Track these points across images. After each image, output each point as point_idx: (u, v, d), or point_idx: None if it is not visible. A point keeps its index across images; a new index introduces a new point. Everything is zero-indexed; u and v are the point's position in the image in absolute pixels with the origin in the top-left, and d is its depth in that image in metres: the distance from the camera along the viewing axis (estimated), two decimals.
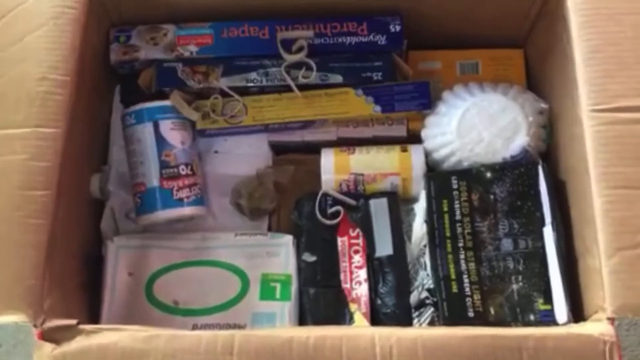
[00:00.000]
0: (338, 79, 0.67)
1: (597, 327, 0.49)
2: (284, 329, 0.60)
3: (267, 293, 0.62)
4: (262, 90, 0.67)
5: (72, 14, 0.59)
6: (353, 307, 0.62)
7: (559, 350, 0.48)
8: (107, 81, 0.70)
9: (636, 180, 0.51)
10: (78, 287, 0.61)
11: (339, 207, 0.66)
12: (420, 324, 0.60)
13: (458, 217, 0.63)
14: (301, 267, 0.64)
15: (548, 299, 0.59)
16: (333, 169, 0.66)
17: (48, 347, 0.49)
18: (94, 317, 0.61)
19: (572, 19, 0.57)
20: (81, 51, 0.58)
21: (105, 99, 0.70)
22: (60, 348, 0.49)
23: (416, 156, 0.66)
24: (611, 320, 0.49)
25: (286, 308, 0.62)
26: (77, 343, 0.50)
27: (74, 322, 0.51)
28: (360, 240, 0.65)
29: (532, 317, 0.58)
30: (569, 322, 0.56)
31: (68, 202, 0.57)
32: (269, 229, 0.68)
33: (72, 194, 0.59)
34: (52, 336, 0.50)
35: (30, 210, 0.52)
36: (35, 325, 0.50)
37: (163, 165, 0.65)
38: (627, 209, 0.51)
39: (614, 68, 0.55)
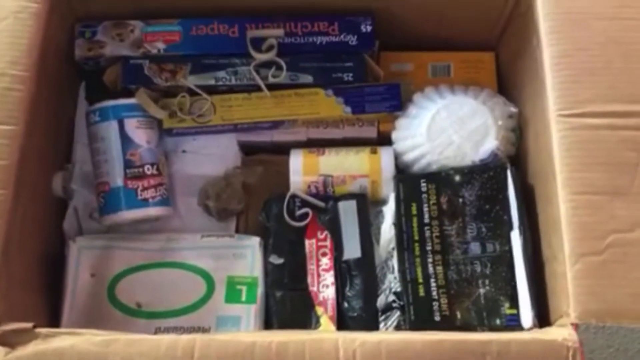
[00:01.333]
0: (308, 79, 0.66)
1: (560, 332, 0.49)
2: (246, 333, 0.59)
3: (232, 296, 0.62)
4: (231, 90, 0.66)
5: (34, 8, 0.57)
6: (319, 310, 0.61)
7: (522, 355, 0.48)
8: (72, 77, 0.68)
9: (601, 186, 0.51)
10: (38, 288, 0.60)
11: (307, 209, 0.65)
12: (387, 328, 0.60)
13: (426, 220, 0.62)
14: (268, 269, 0.63)
15: (514, 303, 0.59)
16: (302, 170, 0.66)
17: (1, 351, 0.48)
18: (54, 319, 0.60)
19: (542, 23, 0.57)
20: (43, 46, 0.57)
21: (70, 95, 0.68)
22: (15, 352, 0.48)
23: (386, 158, 0.65)
24: (575, 325, 0.49)
25: (252, 311, 0.61)
26: (33, 347, 0.48)
27: (29, 325, 0.49)
28: (328, 243, 0.64)
29: (498, 322, 0.58)
30: (534, 326, 0.56)
31: (28, 201, 0.56)
32: (237, 230, 0.67)
33: (33, 193, 0.58)
34: (7, 340, 0.48)
35: None
36: None
37: (128, 164, 0.63)
38: (592, 214, 0.51)
39: (582, 73, 0.55)
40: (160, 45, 0.65)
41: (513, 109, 0.66)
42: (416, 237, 0.62)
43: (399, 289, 0.60)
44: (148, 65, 0.65)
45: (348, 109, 0.66)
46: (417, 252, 0.61)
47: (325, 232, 0.64)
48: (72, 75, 0.68)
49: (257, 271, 0.63)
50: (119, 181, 0.63)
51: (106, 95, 0.65)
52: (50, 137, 0.63)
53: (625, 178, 0.52)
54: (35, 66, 0.56)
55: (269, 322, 0.62)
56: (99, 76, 0.66)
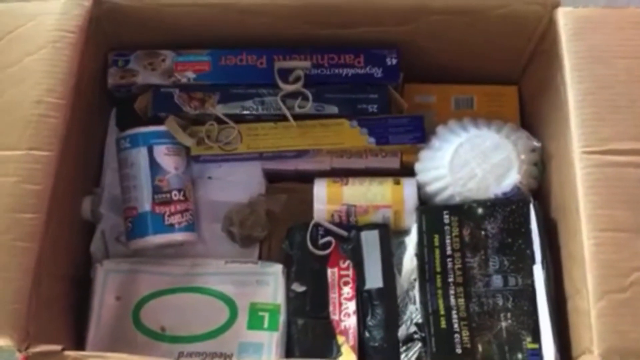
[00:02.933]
0: (333, 109, 0.67)
1: None
2: None
3: (255, 322, 0.62)
4: (258, 119, 0.68)
5: (71, 38, 0.59)
6: (341, 339, 0.62)
7: None
8: (104, 104, 0.70)
9: (624, 223, 0.52)
10: (65, 309, 0.61)
11: (330, 238, 0.66)
12: (408, 359, 0.60)
13: (449, 252, 0.63)
14: (290, 297, 0.64)
15: (536, 338, 0.59)
16: (326, 199, 0.66)
17: None
18: (80, 340, 0.61)
19: (566, 60, 0.58)
20: (78, 75, 0.59)
21: (101, 121, 0.70)
22: None
23: (408, 189, 0.66)
24: None
25: (274, 338, 0.61)
26: None
27: (58, 347, 0.50)
28: (350, 272, 0.64)
29: (519, 356, 0.58)
30: None
31: (59, 224, 0.57)
32: (260, 257, 0.68)
33: (64, 216, 0.59)
34: None
35: (20, 233, 0.52)
36: (19, 350, 0.49)
37: (156, 190, 0.65)
38: (616, 251, 0.51)
39: (606, 111, 0.55)
40: (190, 75, 0.67)
41: (536, 143, 0.66)
42: (438, 269, 0.62)
43: (420, 320, 0.60)
44: (178, 93, 0.67)
45: (372, 140, 0.67)
46: (438, 283, 0.61)
47: (348, 261, 0.65)
48: (103, 101, 0.70)
49: (280, 298, 0.63)
50: (146, 206, 0.64)
51: (136, 122, 0.67)
52: (81, 161, 0.64)
53: None
54: (70, 94, 0.57)
55: (290, 350, 0.62)
56: (130, 103, 0.68)
